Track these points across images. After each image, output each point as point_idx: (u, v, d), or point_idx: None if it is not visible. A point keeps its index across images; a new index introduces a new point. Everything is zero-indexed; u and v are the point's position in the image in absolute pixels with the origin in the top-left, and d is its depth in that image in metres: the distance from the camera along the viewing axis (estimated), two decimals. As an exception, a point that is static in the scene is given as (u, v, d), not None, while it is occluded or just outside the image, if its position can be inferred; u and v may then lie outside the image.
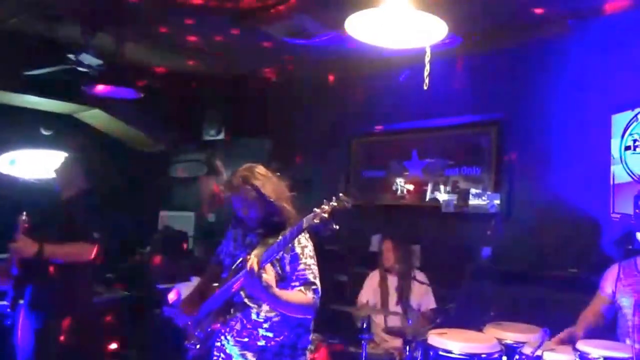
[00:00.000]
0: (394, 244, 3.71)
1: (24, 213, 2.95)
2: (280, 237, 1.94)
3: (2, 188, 4.79)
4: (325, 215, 1.78)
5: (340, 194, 1.82)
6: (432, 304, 3.60)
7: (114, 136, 5.78)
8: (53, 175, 3.24)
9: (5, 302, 3.04)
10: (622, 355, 2.29)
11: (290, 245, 2.06)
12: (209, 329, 2.15)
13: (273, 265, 2.06)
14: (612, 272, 2.66)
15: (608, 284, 2.66)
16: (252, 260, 1.88)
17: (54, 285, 2.91)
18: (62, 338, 2.89)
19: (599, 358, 2.32)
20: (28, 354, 2.92)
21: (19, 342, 2.98)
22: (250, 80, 5.37)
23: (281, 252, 2.06)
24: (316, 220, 1.79)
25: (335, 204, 1.79)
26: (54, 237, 2.91)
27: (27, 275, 2.94)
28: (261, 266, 1.89)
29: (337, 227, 1.79)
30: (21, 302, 2.96)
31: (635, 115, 3.42)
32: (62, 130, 5.20)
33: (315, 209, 1.80)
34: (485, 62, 4.19)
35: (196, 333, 2.19)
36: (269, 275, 1.92)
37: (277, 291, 1.96)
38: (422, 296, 3.63)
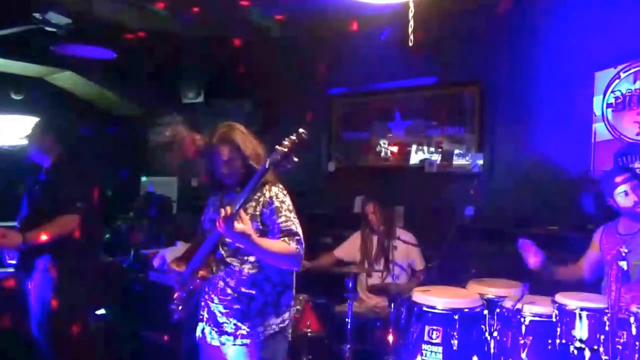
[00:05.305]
0: (377, 207, 3.72)
1: None
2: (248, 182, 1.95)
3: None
4: (286, 149, 1.82)
5: (300, 129, 1.86)
6: (422, 265, 3.66)
7: (88, 99, 5.58)
8: (25, 142, 3.08)
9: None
10: (599, 305, 2.36)
11: (269, 199, 2.08)
12: (191, 287, 2.15)
13: (253, 220, 2.06)
14: (597, 233, 2.81)
15: (595, 243, 2.81)
16: (226, 208, 1.90)
17: (62, 251, 2.84)
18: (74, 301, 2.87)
19: (576, 309, 2.39)
20: (41, 318, 2.89)
21: (32, 308, 2.94)
22: (229, 41, 5.19)
23: (258, 206, 2.08)
24: (277, 157, 1.83)
25: (294, 138, 1.84)
26: (38, 214, 2.82)
27: (30, 253, 2.86)
28: (234, 211, 1.90)
29: (297, 159, 1.85)
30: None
31: (618, 73, 3.42)
32: (33, 94, 5.00)
33: (277, 147, 1.85)
34: (467, 20, 4.10)
35: (180, 294, 2.19)
36: (245, 224, 1.92)
37: (257, 238, 1.98)
38: (410, 256, 3.68)
